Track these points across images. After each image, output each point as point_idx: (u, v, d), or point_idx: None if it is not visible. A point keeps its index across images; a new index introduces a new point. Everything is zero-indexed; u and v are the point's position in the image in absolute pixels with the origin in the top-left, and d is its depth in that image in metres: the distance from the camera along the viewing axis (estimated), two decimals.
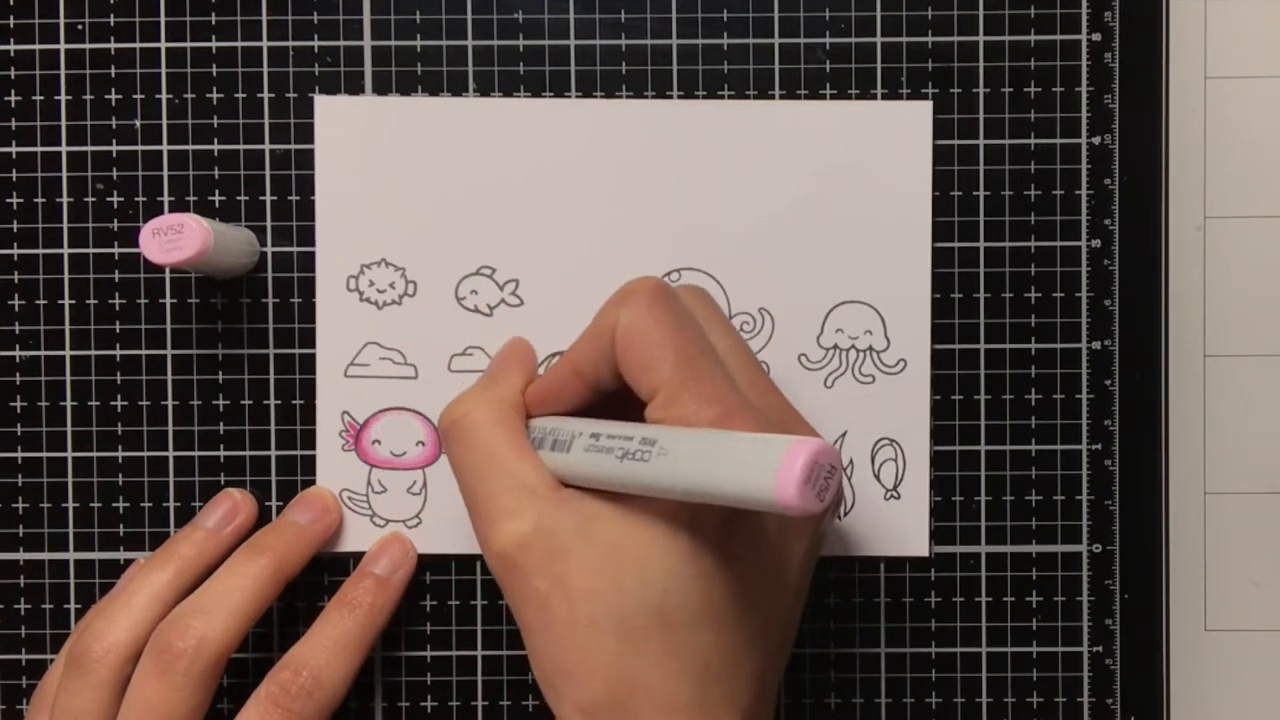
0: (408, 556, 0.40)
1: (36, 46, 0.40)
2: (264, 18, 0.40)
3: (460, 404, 0.34)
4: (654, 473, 0.29)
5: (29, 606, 0.41)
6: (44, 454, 0.41)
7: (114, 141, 0.40)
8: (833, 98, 0.40)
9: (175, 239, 0.36)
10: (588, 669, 0.30)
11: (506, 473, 0.32)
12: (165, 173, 0.41)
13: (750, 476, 0.26)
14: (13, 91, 0.40)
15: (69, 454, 0.41)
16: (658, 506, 0.30)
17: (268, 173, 0.40)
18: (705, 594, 0.30)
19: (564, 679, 0.30)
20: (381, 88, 0.40)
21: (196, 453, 0.41)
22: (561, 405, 0.34)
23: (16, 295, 0.41)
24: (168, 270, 0.40)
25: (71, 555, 0.41)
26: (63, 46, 0.40)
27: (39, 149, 0.41)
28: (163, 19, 0.41)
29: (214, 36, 0.40)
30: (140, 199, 0.41)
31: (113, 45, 0.40)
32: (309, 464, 0.40)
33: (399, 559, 0.40)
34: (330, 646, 0.37)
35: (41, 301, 0.41)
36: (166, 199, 0.41)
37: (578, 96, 0.40)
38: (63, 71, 0.40)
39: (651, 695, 0.30)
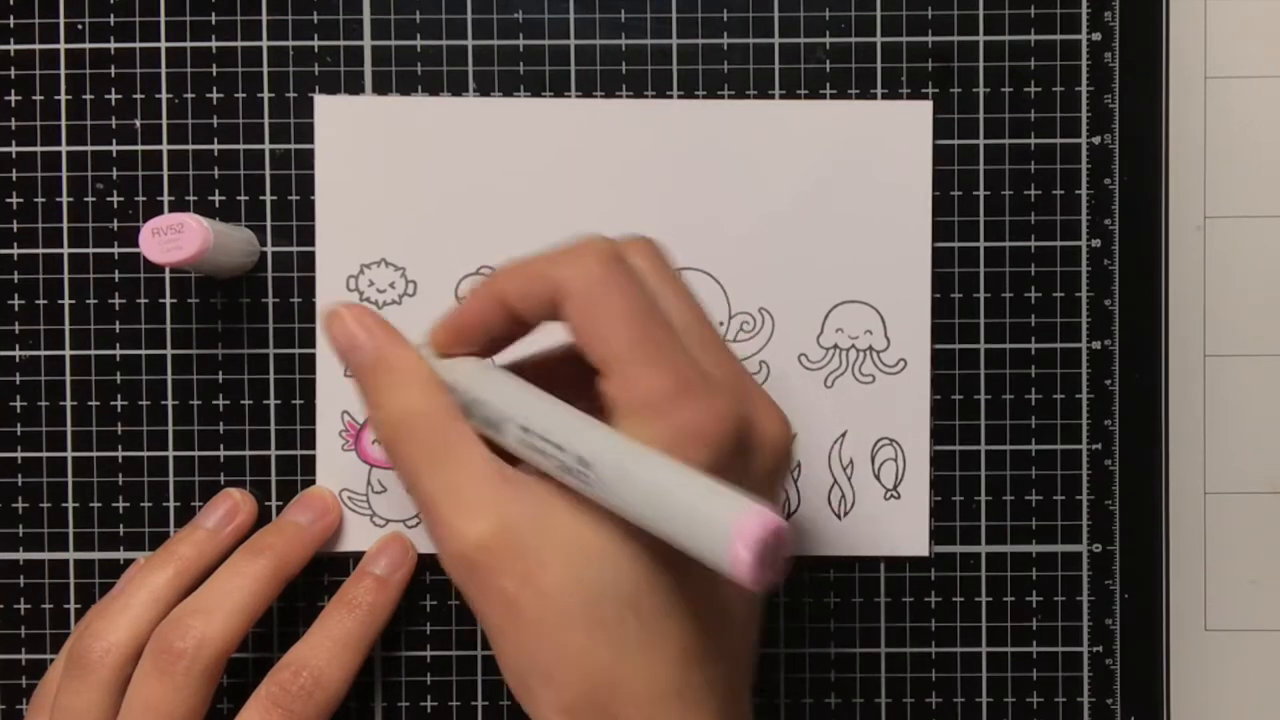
0: (407, 556, 0.40)
1: (36, 46, 0.40)
2: (264, 18, 0.40)
3: (392, 402, 0.32)
4: (594, 494, 0.28)
5: (29, 606, 0.41)
6: (44, 454, 0.41)
7: (114, 141, 0.41)
8: (833, 97, 0.40)
9: (175, 239, 0.36)
10: (564, 667, 0.29)
11: (458, 469, 0.30)
12: (165, 173, 0.41)
13: (703, 540, 0.26)
14: (13, 91, 0.40)
15: (69, 454, 0.41)
16: None
17: (268, 173, 0.40)
18: (676, 579, 0.29)
19: (539, 680, 0.30)
20: (381, 88, 0.40)
21: (196, 453, 0.41)
22: (476, 339, 0.32)
23: (16, 295, 0.41)
24: (168, 270, 0.40)
25: (71, 555, 0.41)
26: (63, 46, 0.40)
27: (39, 149, 0.41)
28: (163, 19, 0.41)
29: (214, 36, 0.40)
30: (140, 199, 0.41)
31: (113, 45, 0.40)
32: (309, 464, 0.40)
33: (399, 559, 0.40)
34: (330, 646, 0.37)
35: (41, 301, 0.41)
36: (166, 199, 0.41)
37: (578, 96, 0.40)
38: (63, 71, 0.40)
39: (632, 687, 0.29)
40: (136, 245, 0.39)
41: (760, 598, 0.34)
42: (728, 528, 0.25)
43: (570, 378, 0.32)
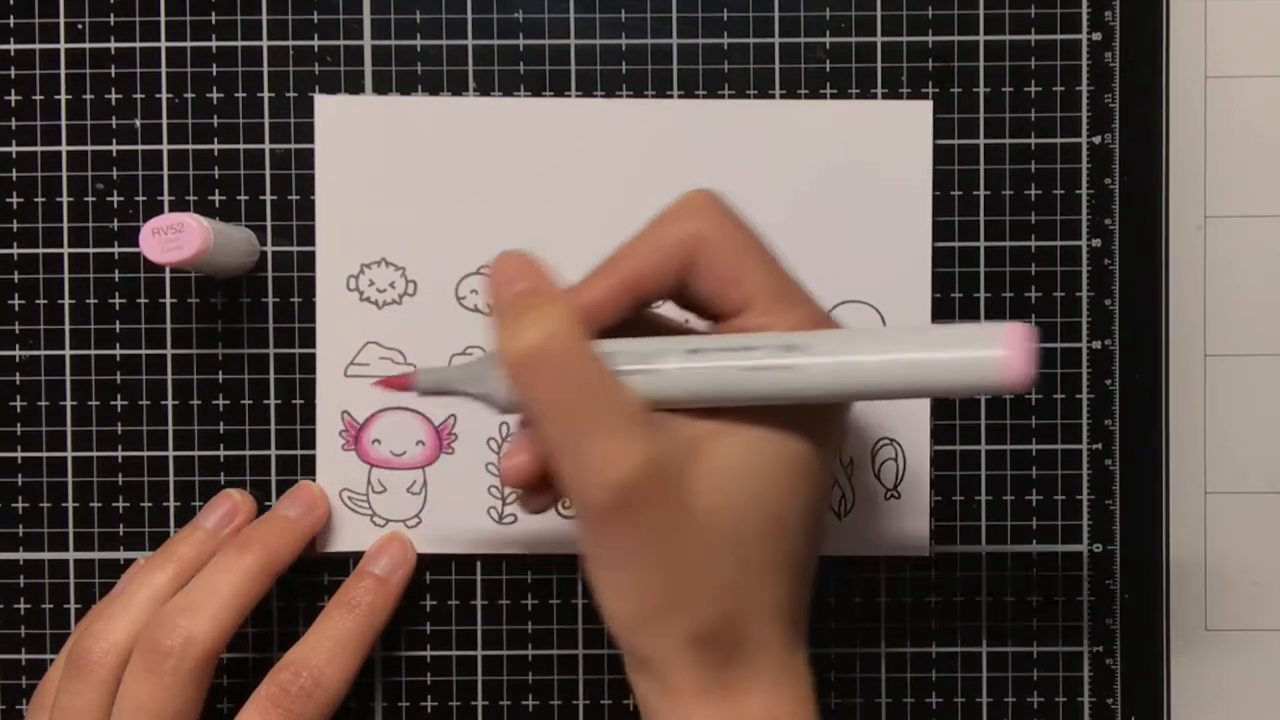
0: (407, 556, 0.40)
1: (36, 46, 0.40)
2: (264, 17, 0.40)
3: (530, 329, 0.29)
4: (805, 380, 0.28)
5: (29, 606, 0.41)
6: (44, 454, 0.41)
7: (114, 141, 0.40)
8: (833, 97, 0.40)
9: (175, 238, 0.36)
10: (705, 596, 0.29)
11: (604, 403, 0.28)
12: (165, 173, 0.41)
13: (974, 364, 0.27)
14: (13, 91, 0.40)
15: (69, 454, 0.41)
16: (761, 417, 0.29)
17: (268, 173, 0.40)
18: (808, 497, 0.30)
19: (674, 610, 0.29)
20: (381, 87, 0.40)
21: (196, 453, 0.41)
22: (604, 324, 0.30)
23: (16, 295, 0.41)
24: (168, 270, 0.40)
25: (71, 555, 0.41)
26: (63, 46, 0.40)
27: (39, 148, 0.41)
28: (163, 19, 0.41)
29: (214, 36, 0.40)
30: (140, 199, 0.41)
31: (113, 45, 0.40)
32: (309, 464, 0.40)
33: (398, 559, 0.40)
34: (330, 646, 0.37)
35: (41, 301, 0.41)
36: (166, 199, 0.41)
37: (578, 96, 0.40)
38: (63, 71, 0.40)
39: (760, 607, 0.30)
40: (137, 245, 0.39)
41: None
42: (999, 337, 0.27)
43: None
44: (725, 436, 0.29)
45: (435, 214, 0.40)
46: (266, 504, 0.40)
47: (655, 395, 0.29)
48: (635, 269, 0.30)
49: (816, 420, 0.30)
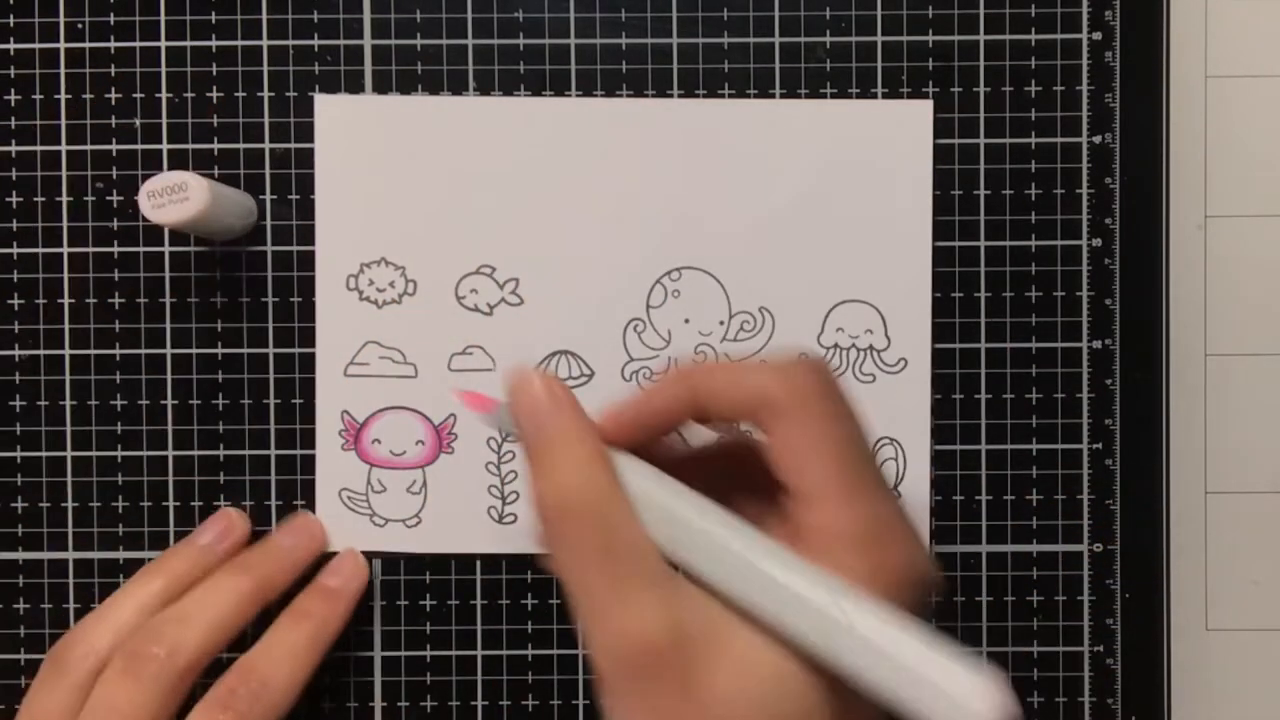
0: (359, 571, 0.40)
1: (36, 45, 0.40)
2: (264, 17, 0.40)
3: (562, 475, 0.28)
4: (829, 643, 0.26)
5: (28, 606, 0.41)
6: (43, 453, 0.41)
7: (114, 141, 0.40)
8: (833, 97, 0.40)
9: (175, 197, 0.36)
10: None
11: (631, 563, 0.27)
12: (165, 172, 0.40)
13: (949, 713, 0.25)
14: (13, 90, 0.40)
15: (68, 453, 0.41)
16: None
17: (268, 172, 0.40)
18: (837, 716, 0.27)
19: None
20: (381, 87, 0.40)
21: (196, 452, 0.41)
22: (653, 434, 0.30)
23: (16, 294, 0.41)
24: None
25: (71, 555, 0.41)
26: (63, 45, 0.40)
27: (39, 148, 0.40)
28: (163, 18, 0.40)
29: (214, 35, 0.40)
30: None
31: (113, 44, 0.40)
32: (309, 464, 0.40)
33: (351, 573, 0.40)
34: (280, 654, 0.37)
35: (41, 301, 0.41)
36: None
37: (578, 95, 0.40)
38: (62, 70, 0.40)
39: None
40: (137, 245, 0.39)
41: None
42: (978, 690, 0.25)
43: (721, 470, 0.31)
44: (752, 629, 0.27)
45: (435, 214, 0.40)
46: (266, 503, 0.40)
47: (681, 562, 0.28)
48: (701, 382, 0.29)
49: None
